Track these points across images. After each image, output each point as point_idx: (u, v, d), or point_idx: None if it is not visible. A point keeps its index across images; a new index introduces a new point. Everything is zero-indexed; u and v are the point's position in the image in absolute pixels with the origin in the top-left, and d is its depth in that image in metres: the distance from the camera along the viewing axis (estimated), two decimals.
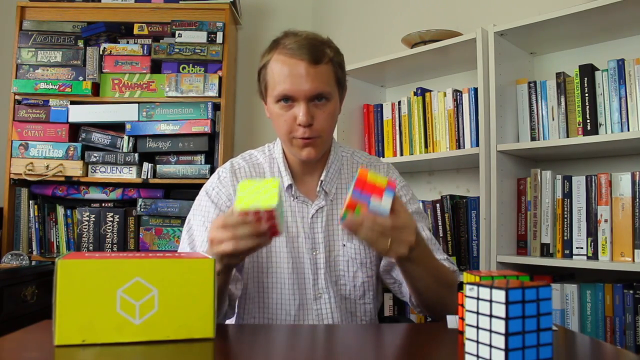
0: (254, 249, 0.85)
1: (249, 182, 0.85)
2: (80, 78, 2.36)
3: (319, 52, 1.06)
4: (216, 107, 2.35)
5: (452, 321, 0.84)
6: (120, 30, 2.43)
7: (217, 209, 1.14)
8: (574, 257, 1.56)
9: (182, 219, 2.31)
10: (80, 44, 2.39)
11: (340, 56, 1.13)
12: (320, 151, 1.12)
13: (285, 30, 1.11)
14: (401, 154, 2.05)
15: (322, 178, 1.16)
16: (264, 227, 0.82)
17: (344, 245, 1.15)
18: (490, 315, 0.55)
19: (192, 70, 2.39)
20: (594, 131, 1.56)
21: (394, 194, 0.86)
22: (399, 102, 2.08)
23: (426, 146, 1.98)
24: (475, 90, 1.81)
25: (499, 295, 0.54)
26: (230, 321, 1.14)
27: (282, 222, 0.86)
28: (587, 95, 1.58)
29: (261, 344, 0.76)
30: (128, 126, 2.34)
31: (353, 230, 0.85)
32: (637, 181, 1.47)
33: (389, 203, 0.85)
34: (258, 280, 1.13)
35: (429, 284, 1.02)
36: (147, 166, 2.33)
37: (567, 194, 1.60)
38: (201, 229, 1.13)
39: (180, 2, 2.43)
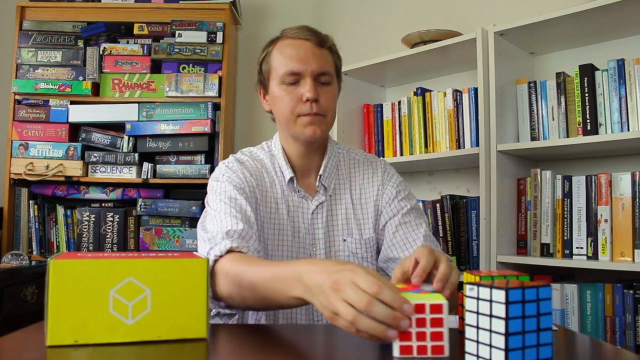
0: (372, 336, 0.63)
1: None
2: (80, 78, 2.36)
3: (322, 37, 1.13)
4: (216, 107, 2.35)
5: (452, 321, 0.84)
6: (120, 30, 2.43)
7: (231, 184, 1.09)
8: (574, 257, 1.56)
9: (182, 219, 2.31)
10: (80, 44, 2.39)
11: (337, 50, 1.19)
12: (324, 132, 1.13)
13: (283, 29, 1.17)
14: (401, 154, 2.05)
15: (320, 172, 1.17)
16: (405, 324, 0.60)
17: (345, 240, 1.16)
18: (490, 315, 0.55)
19: (192, 70, 2.39)
20: (594, 131, 1.56)
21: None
22: (399, 102, 2.08)
23: (426, 146, 1.98)
24: (475, 90, 1.81)
25: (499, 295, 0.54)
26: (232, 320, 1.14)
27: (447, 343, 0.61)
28: (587, 95, 1.58)
29: (253, 344, 0.76)
30: (128, 126, 2.34)
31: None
32: (637, 181, 1.47)
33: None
34: None
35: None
36: (147, 166, 2.33)
37: (567, 194, 1.60)
38: (220, 204, 1.06)
39: (180, 2, 2.43)
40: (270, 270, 0.83)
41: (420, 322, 0.60)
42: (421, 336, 0.60)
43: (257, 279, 0.85)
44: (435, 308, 0.60)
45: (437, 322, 0.60)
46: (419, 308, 0.60)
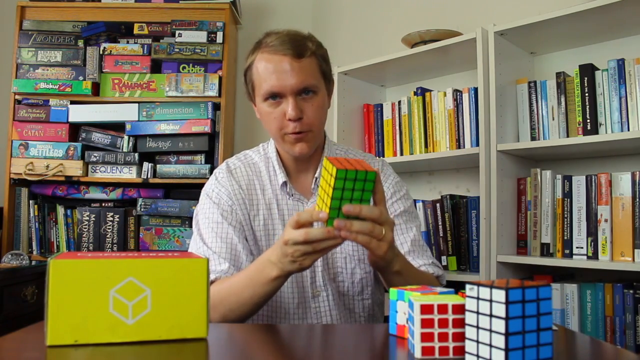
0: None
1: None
2: (80, 78, 2.36)
3: (302, 46, 1.07)
4: (216, 107, 2.36)
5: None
6: (120, 30, 2.43)
7: (219, 209, 1.14)
8: (574, 256, 1.56)
9: (182, 218, 2.31)
10: (80, 43, 2.39)
11: (323, 49, 1.14)
12: (313, 145, 1.12)
13: (267, 31, 1.12)
14: (401, 154, 2.05)
15: (316, 175, 1.17)
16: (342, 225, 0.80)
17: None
18: (490, 315, 0.55)
19: (192, 70, 2.39)
20: (594, 131, 1.56)
21: None
22: (399, 102, 2.08)
23: (426, 146, 1.98)
24: (475, 90, 1.81)
25: (499, 294, 0.54)
26: None
27: None
28: (587, 95, 1.58)
29: (254, 344, 0.76)
30: (128, 126, 2.34)
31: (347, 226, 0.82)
32: (637, 181, 1.47)
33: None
34: None
35: None
36: (147, 166, 2.33)
37: (567, 194, 1.60)
38: (207, 230, 1.13)
39: (180, 2, 2.43)
40: (245, 273, 0.99)
41: (443, 323, 0.60)
42: (443, 337, 0.60)
43: (239, 286, 0.98)
44: (457, 309, 0.60)
45: (458, 323, 0.60)
46: (441, 309, 0.60)
